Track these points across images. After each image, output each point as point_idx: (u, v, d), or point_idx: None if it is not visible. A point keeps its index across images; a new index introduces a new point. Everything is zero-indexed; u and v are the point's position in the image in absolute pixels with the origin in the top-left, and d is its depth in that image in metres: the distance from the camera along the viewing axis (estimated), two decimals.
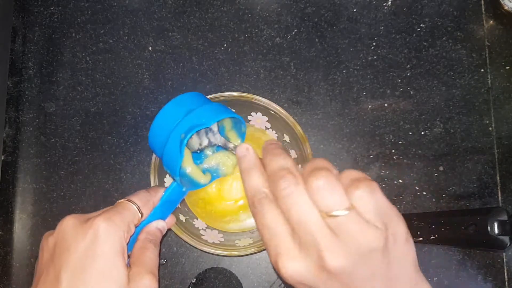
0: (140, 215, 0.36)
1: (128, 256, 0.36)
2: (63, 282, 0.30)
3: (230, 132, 0.46)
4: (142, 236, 0.37)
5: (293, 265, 0.26)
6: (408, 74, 0.53)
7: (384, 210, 0.28)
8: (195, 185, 0.45)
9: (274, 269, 0.28)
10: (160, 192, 0.40)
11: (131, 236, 0.35)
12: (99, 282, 0.31)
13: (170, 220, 0.42)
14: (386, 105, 0.53)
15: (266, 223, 0.28)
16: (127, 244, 0.35)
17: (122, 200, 0.37)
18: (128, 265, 0.35)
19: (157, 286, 0.34)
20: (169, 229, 0.45)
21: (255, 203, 0.29)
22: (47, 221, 0.53)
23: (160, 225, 0.39)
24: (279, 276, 0.27)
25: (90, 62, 0.55)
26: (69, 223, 0.33)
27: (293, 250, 0.27)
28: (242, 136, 0.46)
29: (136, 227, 0.37)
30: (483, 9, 0.54)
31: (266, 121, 0.49)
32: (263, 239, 0.28)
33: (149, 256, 0.35)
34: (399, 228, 0.28)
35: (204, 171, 0.46)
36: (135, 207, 0.36)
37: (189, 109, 0.39)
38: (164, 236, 0.41)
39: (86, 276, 0.31)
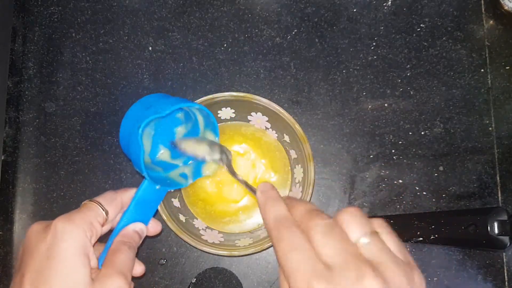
0: (104, 212, 0.36)
1: None
2: (26, 285, 0.31)
3: (205, 131, 0.45)
4: (117, 238, 0.37)
5: (330, 286, 0.25)
6: (408, 74, 0.53)
7: (402, 248, 0.29)
8: (174, 185, 0.44)
9: None
10: (130, 191, 0.39)
11: (105, 237, 0.35)
12: (60, 282, 0.30)
13: (153, 226, 0.41)
14: (386, 105, 0.53)
15: (296, 246, 0.27)
16: (93, 244, 0.34)
17: (85, 201, 0.36)
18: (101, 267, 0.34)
19: None
20: (169, 229, 0.45)
21: (282, 228, 0.28)
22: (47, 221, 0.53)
23: (137, 227, 0.38)
24: None
25: (90, 62, 0.55)
26: (33, 229, 0.33)
27: (328, 273, 0.26)
28: (215, 130, 0.44)
29: (103, 226, 0.36)
30: (483, 9, 0.54)
31: (266, 121, 0.49)
32: (288, 265, 0.27)
33: (121, 258, 0.34)
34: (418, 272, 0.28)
35: (183, 175, 0.45)
36: (97, 205, 0.36)
37: (149, 105, 0.39)
38: (144, 240, 0.40)
39: (46, 278, 0.30)
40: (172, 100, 0.41)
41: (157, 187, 0.41)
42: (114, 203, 0.37)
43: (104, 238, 0.37)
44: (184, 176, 0.45)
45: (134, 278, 0.37)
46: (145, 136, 0.43)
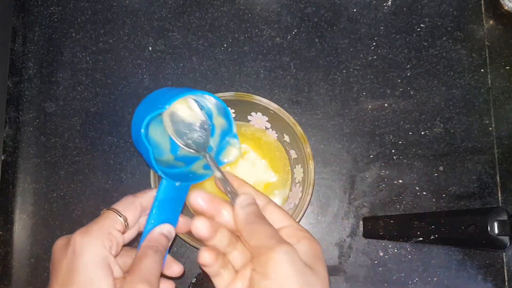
0: (121, 219, 0.35)
1: None
2: None
3: (217, 118, 0.44)
4: (144, 243, 0.36)
5: None
6: (408, 74, 0.53)
7: None
8: (197, 178, 0.42)
9: None
10: (149, 193, 0.38)
11: (128, 244, 0.34)
12: None
13: (184, 223, 0.39)
14: (386, 105, 0.53)
15: None
16: (116, 253, 0.33)
17: (103, 210, 0.36)
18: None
19: None
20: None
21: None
22: (47, 221, 0.53)
23: (164, 229, 0.37)
24: None
25: (90, 62, 0.55)
26: (57, 245, 0.34)
27: None
28: (227, 116, 0.42)
29: (124, 233, 0.35)
30: (483, 9, 0.54)
31: (266, 121, 0.49)
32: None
33: (147, 264, 0.33)
34: None
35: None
36: (114, 212, 0.35)
37: (154, 101, 0.38)
38: (174, 240, 0.39)
39: None
40: (174, 92, 0.39)
41: (177, 183, 0.39)
42: (133, 207, 0.36)
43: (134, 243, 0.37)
44: (207, 167, 0.43)
45: (174, 279, 0.37)
46: (161, 133, 0.42)
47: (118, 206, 0.36)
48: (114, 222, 0.34)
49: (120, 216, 0.35)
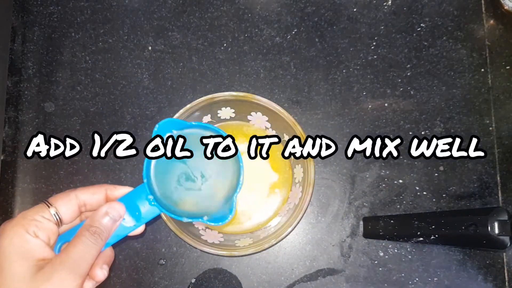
0: (51, 209, 0.33)
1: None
2: None
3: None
4: (86, 221, 0.33)
5: None
6: (408, 73, 0.53)
7: None
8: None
9: None
10: (91, 189, 0.35)
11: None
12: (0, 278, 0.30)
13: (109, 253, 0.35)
14: (386, 105, 0.53)
15: None
16: (49, 240, 0.32)
17: None
18: None
19: None
20: (169, 229, 0.45)
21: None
22: None
23: (113, 211, 0.34)
24: None
25: (89, 61, 0.55)
26: None
27: None
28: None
29: (59, 225, 0.33)
30: (483, 9, 0.54)
31: (266, 121, 0.48)
32: None
33: (79, 249, 0.31)
34: None
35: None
36: (43, 203, 0.33)
37: None
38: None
39: None
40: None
41: (150, 197, 0.37)
42: (66, 199, 0.34)
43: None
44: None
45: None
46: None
47: (51, 197, 0.34)
48: (41, 210, 0.33)
49: (48, 205, 0.33)
